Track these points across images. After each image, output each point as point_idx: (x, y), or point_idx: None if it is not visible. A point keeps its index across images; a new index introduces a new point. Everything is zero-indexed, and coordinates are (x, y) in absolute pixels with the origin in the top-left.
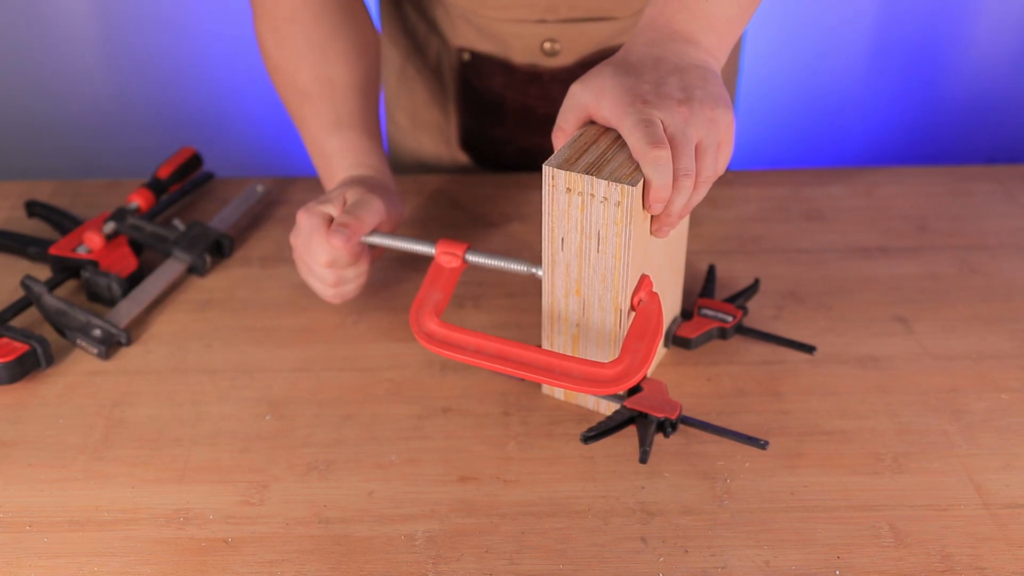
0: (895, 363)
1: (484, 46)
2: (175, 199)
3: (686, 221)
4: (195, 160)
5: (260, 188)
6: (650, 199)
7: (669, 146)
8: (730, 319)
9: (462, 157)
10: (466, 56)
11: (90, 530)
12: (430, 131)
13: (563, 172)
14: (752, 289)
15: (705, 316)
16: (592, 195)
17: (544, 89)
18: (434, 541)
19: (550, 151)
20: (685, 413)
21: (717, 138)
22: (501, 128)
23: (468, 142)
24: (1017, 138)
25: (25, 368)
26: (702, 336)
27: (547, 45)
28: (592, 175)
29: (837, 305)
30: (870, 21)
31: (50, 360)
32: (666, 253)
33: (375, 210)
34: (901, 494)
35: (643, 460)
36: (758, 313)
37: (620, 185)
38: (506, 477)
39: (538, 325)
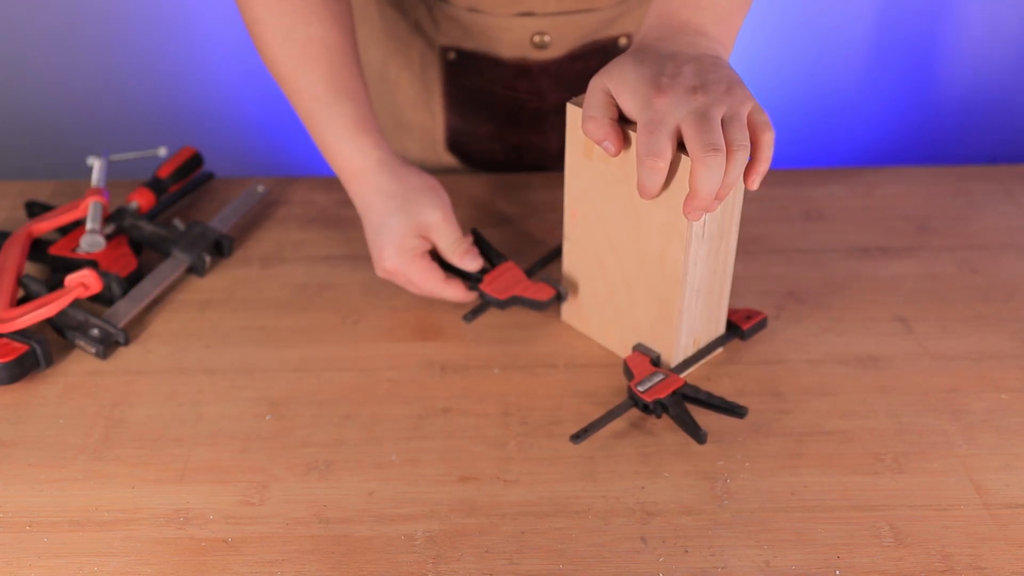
0: (895, 363)
1: (471, 44)
2: (175, 199)
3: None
4: (195, 160)
5: (260, 188)
6: (643, 197)
7: (666, 154)
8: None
9: (448, 158)
10: (452, 55)
11: (90, 530)
12: (414, 133)
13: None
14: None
15: None
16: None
17: (533, 83)
18: (434, 541)
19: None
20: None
21: (738, 107)
22: (489, 125)
23: (455, 143)
24: (1017, 138)
25: (25, 368)
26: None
27: (537, 38)
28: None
29: (837, 305)
30: (870, 21)
31: (49, 360)
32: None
33: (448, 214)
34: (901, 494)
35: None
36: None
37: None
38: (506, 477)
39: (538, 325)
